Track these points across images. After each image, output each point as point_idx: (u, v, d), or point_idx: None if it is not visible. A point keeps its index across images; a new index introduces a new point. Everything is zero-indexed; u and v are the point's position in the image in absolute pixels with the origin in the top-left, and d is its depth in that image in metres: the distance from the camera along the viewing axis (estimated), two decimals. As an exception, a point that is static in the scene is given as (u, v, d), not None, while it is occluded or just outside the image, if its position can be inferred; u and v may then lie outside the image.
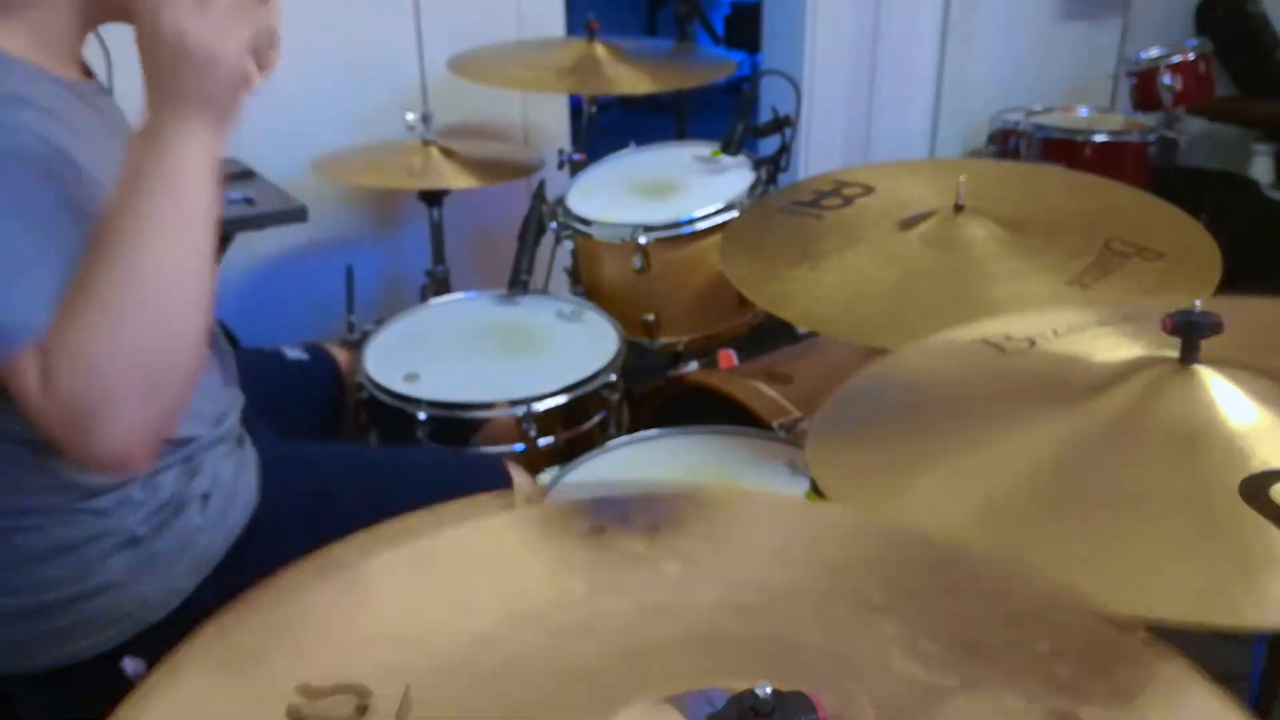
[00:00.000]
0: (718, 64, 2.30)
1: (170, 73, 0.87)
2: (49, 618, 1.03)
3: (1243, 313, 0.86)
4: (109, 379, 0.82)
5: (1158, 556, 0.70)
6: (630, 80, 2.16)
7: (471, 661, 0.57)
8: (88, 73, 1.08)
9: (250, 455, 1.18)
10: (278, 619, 0.62)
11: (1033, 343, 0.98)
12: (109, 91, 1.17)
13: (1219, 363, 0.83)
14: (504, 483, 1.31)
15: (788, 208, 1.52)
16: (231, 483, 1.13)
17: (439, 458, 1.43)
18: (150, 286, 0.83)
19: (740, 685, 0.49)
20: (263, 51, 0.95)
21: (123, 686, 1.06)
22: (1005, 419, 0.88)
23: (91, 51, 1.12)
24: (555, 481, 1.29)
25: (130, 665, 1.06)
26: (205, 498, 1.09)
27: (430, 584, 0.65)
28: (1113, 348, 0.92)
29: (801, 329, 2.74)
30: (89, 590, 1.03)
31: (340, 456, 1.33)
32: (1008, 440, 0.85)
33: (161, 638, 1.06)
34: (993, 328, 1.02)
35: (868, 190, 1.52)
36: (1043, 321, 1.01)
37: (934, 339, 1.04)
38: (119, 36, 1.10)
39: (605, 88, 2.19)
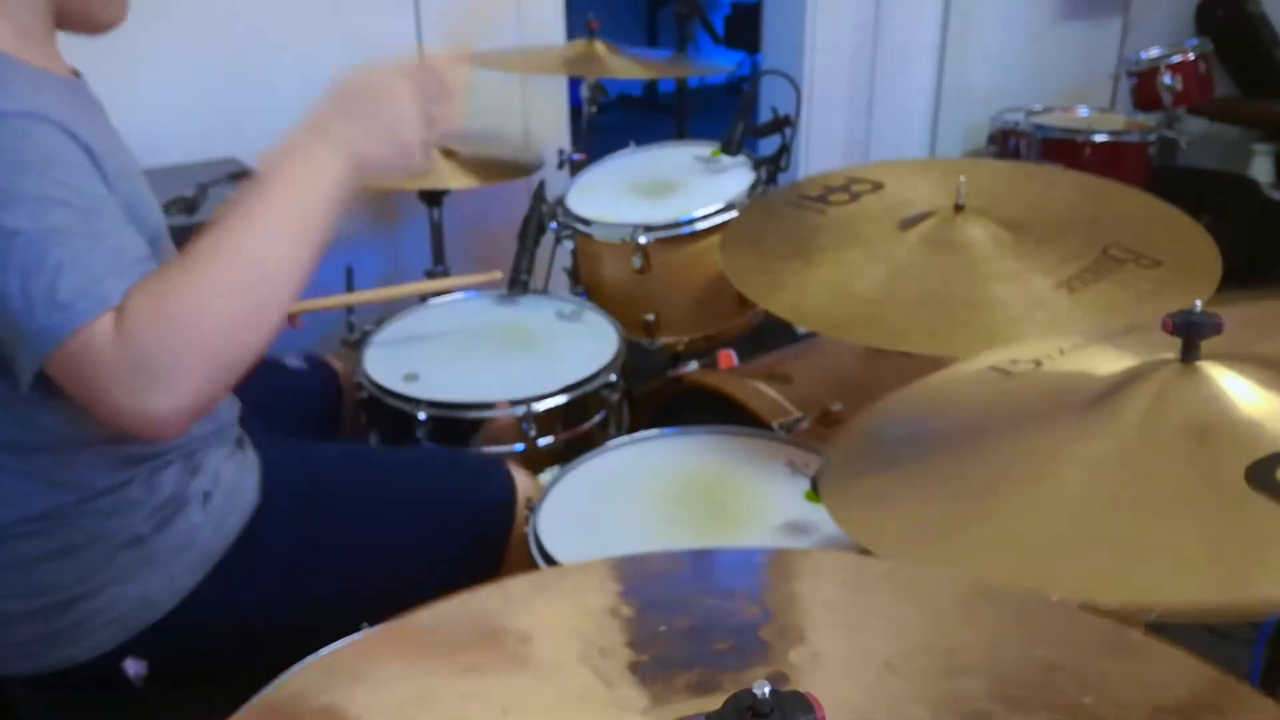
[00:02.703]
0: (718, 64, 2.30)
1: (353, 118, 0.98)
2: (50, 619, 1.03)
3: (1236, 314, 0.86)
4: (188, 339, 0.85)
5: (1174, 551, 0.71)
6: (631, 69, 2.15)
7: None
8: (74, 74, 1.08)
9: (251, 457, 1.18)
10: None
11: (1039, 363, 0.98)
12: None
13: (1219, 358, 0.84)
14: (504, 483, 1.30)
15: (794, 201, 1.53)
16: (233, 483, 1.13)
17: (438, 457, 1.43)
18: (249, 273, 0.89)
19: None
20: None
21: (125, 688, 1.07)
22: (1020, 443, 0.88)
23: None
24: (555, 480, 1.29)
25: (132, 667, 1.06)
26: (206, 496, 1.09)
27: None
28: (1117, 358, 0.93)
29: (801, 329, 2.74)
30: (90, 590, 1.03)
31: (338, 456, 1.33)
32: (1025, 467, 0.85)
33: (161, 637, 1.07)
34: (998, 355, 1.03)
35: (877, 187, 1.52)
36: (1047, 343, 1.02)
37: (941, 374, 1.04)
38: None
39: (604, 72, 2.18)
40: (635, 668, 0.60)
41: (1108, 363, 0.92)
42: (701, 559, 0.81)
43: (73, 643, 1.04)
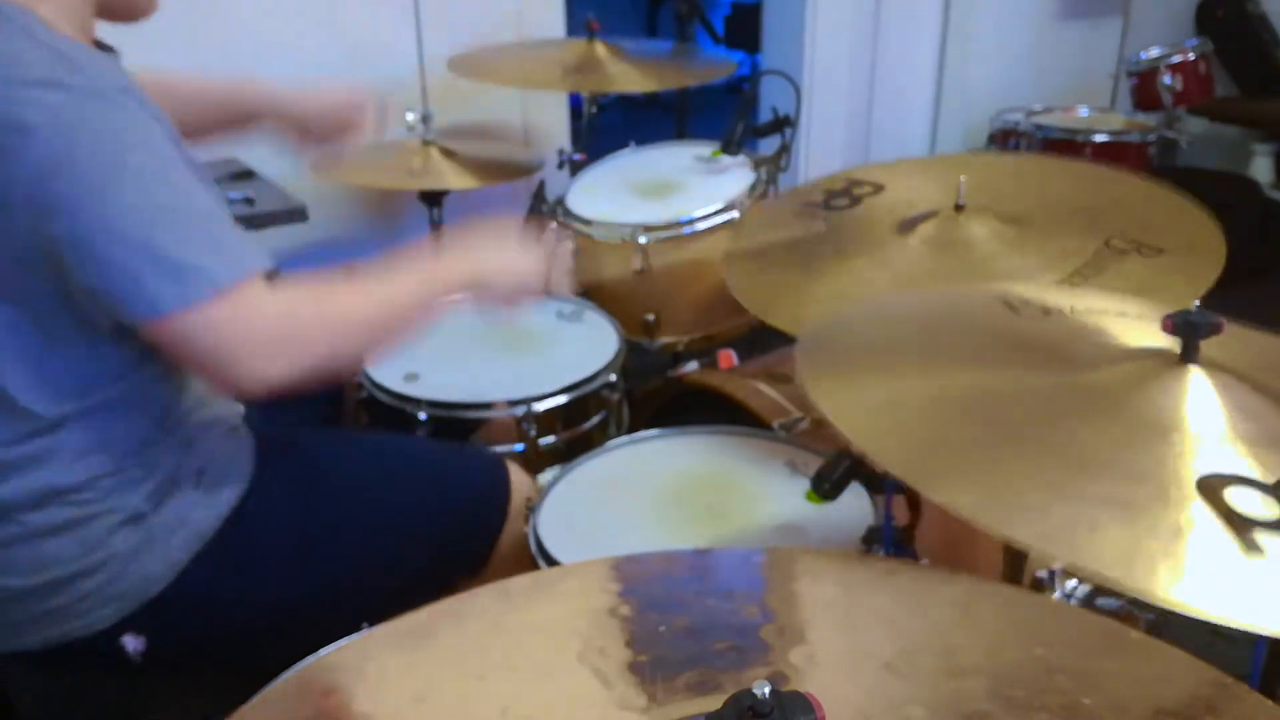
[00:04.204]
0: (718, 64, 2.29)
1: (496, 249, 1.20)
2: (51, 594, 1.04)
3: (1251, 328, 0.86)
4: (328, 336, 1.03)
5: (1097, 516, 0.70)
6: (631, 79, 2.16)
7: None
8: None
9: (246, 440, 1.19)
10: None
11: (1047, 313, 0.98)
12: None
13: (1218, 368, 0.83)
14: (497, 474, 1.31)
15: (797, 209, 1.52)
16: (225, 460, 1.14)
17: (431, 446, 1.43)
18: (388, 314, 1.08)
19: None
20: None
21: (124, 664, 1.07)
22: (994, 364, 0.89)
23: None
24: (555, 480, 1.29)
25: (131, 643, 1.07)
26: (200, 473, 1.10)
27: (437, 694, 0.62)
28: (1122, 335, 0.93)
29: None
30: (91, 566, 1.04)
31: (332, 441, 1.33)
32: (987, 380, 0.86)
33: (158, 614, 1.08)
34: (1013, 290, 1.03)
35: (878, 189, 1.52)
36: (1064, 297, 1.02)
37: (953, 288, 1.04)
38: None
39: (606, 86, 2.18)
40: (635, 668, 0.60)
41: (1111, 335, 0.92)
42: (701, 559, 0.81)
43: (73, 618, 1.05)
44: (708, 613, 0.66)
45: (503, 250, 1.21)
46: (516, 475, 1.33)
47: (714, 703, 0.51)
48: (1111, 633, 0.62)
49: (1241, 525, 0.68)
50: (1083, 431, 0.79)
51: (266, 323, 0.98)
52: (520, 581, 0.71)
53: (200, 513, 1.10)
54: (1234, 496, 0.71)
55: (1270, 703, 0.54)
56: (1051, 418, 0.81)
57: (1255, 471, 0.73)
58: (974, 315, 0.99)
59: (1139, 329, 0.93)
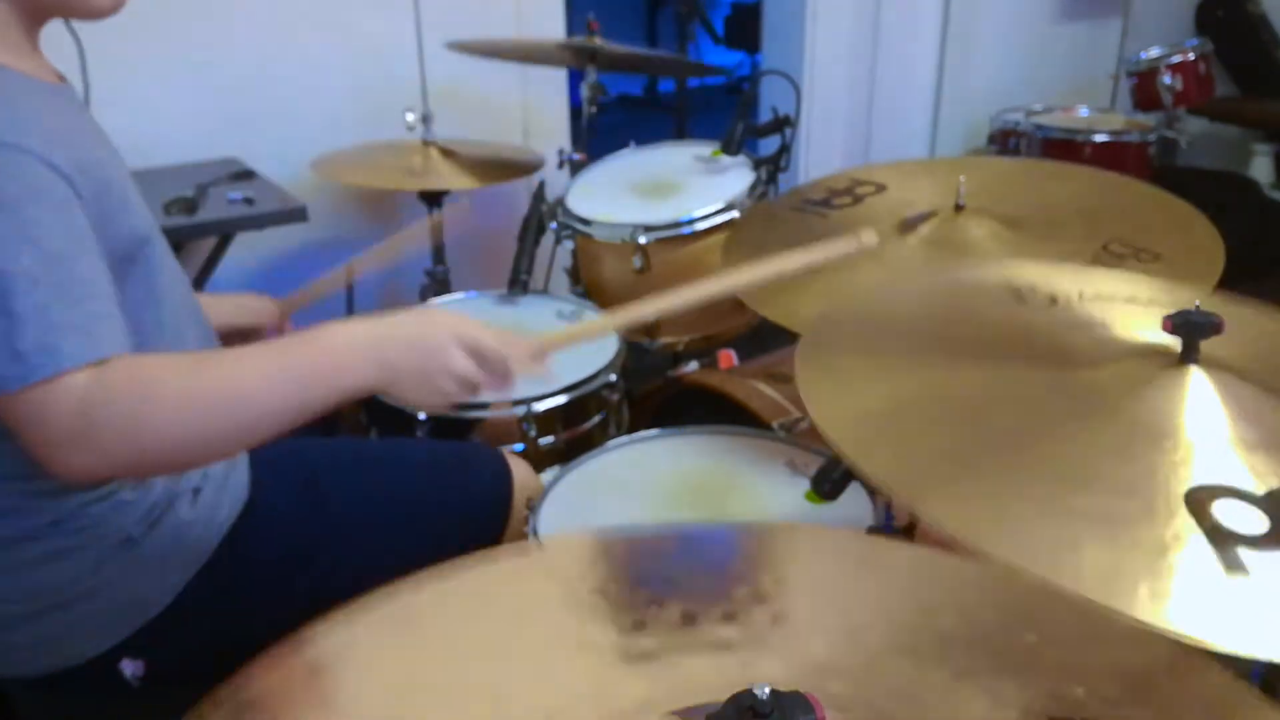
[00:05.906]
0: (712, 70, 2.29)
1: (399, 348, 0.98)
2: (45, 622, 1.03)
3: (1256, 317, 0.86)
4: (147, 438, 0.89)
5: (1080, 532, 0.70)
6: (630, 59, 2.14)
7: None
8: (58, 77, 1.07)
9: (243, 455, 1.18)
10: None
11: (1054, 301, 0.98)
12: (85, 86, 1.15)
13: (1219, 366, 0.83)
14: (501, 473, 1.30)
15: (797, 206, 1.52)
16: (222, 476, 1.12)
17: (433, 449, 1.43)
18: (234, 419, 0.93)
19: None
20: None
21: (123, 688, 1.07)
22: (995, 361, 0.89)
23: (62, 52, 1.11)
24: (555, 480, 1.29)
25: (129, 667, 1.06)
26: (196, 492, 1.09)
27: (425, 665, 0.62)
28: (1127, 326, 0.92)
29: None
30: (84, 592, 1.03)
31: (330, 449, 1.32)
32: (984, 381, 0.86)
33: (157, 636, 1.07)
34: (1021, 275, 1.03)
35: (880, 189, 1.52)
36: (1074, 281, 1.02)
37: (961, 272, 1.04)
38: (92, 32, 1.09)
39: (605, 65, 2.17)
40: (626, 650, 0.59)
41: (1116, 327, 0.92)
42: (691, 538, 0.80)
43: (69, 645, 1.04)
44: (699, 594, 0.66)
45: (419, 349, 0.99)
46: (519, 469, 1.32)
47: (708, 687, 0.51)
48: (1105, 621, 0.61)
49: (1226, 541, 0.67)
50: (1075, 438, 0.78)
51: (63, 416, 0.85)
52: (511, 562, 0.71)
53: (198, 533, 1.09)
54: (1222, 509, 0.70)
55: (1271, 701, 0.54)
56: (1046, 422, 0.81)
57: (1248, 479, 0.73)
58: (980, 306, 0.99)
59: (1145, 319, 0.93)
